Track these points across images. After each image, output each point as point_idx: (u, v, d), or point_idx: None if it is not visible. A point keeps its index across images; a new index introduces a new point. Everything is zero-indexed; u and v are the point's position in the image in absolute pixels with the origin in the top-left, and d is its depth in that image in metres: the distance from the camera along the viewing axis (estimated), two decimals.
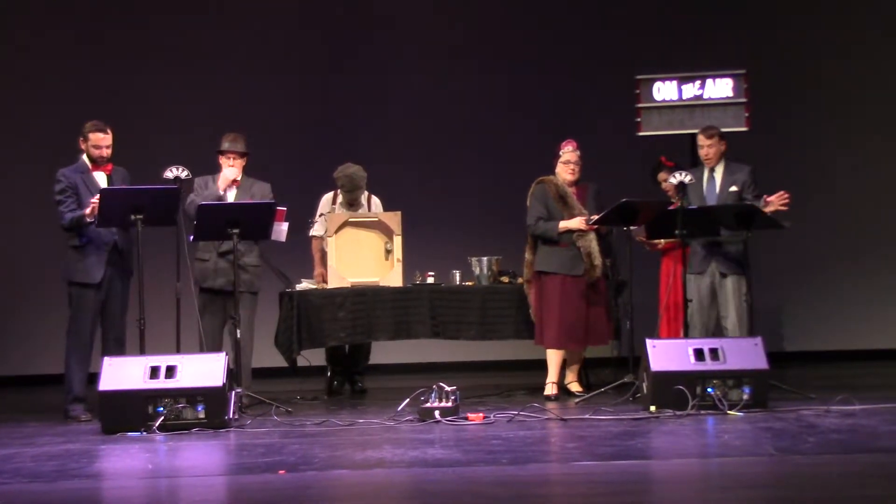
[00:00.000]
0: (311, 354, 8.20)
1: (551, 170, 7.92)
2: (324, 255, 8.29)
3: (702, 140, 7.82)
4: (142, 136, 9.37)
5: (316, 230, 8.42)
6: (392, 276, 8.12)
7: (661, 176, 8.26)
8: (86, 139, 7.34)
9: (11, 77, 10.15)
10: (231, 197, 7.71)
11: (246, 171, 7.82)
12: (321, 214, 8.41)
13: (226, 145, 7.78)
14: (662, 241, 8.15)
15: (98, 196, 7.04)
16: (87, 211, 7.11)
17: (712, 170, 7.77)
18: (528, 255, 7.95)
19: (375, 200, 8.54)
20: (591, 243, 7.72)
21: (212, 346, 7.55)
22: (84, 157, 7.37)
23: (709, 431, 6.08)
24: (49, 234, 7.68)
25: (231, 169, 7.72)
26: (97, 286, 7.25)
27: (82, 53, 10.20)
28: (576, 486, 4.85)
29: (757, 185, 7.70)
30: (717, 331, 7.70)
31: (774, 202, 7.53)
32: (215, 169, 7.83)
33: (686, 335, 7.40)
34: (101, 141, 7.32)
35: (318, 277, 8.32)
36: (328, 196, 8.50)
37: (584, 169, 7.92)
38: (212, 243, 7.61)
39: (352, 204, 8.38)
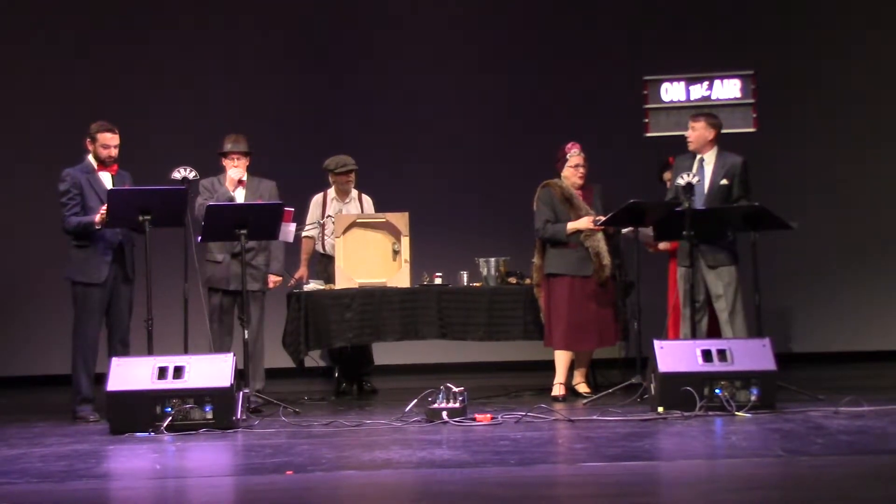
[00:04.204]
0: (318, 355, 8.21)
1: (558, 171, 7.91)
2: (310, 257, 8.44)
3: (690, 122, 7.74)
4: (143, 137, 9.34)
5: (309, 231, 8.43)
6: (399, 276, 8.12)
7: (668, 175, 8.24)
8: (94, 140, 7.33)
9: (11, 77, 10.16)
10: (239, 197, 7.71)
11: (250, 170, 7.83)
12: (319, 222, 8.41)
13: (228, 146, 7.78)
14: (668, 245, 8.12)
15: (106, 205, 7.03)
16: (97, 219, 7.11)
17: (702, 159, 7.67)
18: (536, 260, 7.94)
19: (367, 199, 8.55)
20: (600, 243, 7.71)
21: (220, 348, 7.53)
22: (90, 157, 7.36)
23: (717, 433, 6.07)
24: (54, 234, 7.67)
25: (236, 169, 7.72)
26: (101, 285, 7.25)
27: (81, 54, 10.20)
28: (584, 487, 4.84)
29: (747, 181, 7.61)
30: (714, 327, 7.65)
31: None
32: (218, 170, 7.83)
33: (695, 336, 7.38)
34: (110, 141, 7.31)
35: (300, 278, 8.33)
36: (318, 197, 8.51)
37: (591, 170, 7.91)
38: (224, 244, 7.60)
39: (345, 193, 8.38)
